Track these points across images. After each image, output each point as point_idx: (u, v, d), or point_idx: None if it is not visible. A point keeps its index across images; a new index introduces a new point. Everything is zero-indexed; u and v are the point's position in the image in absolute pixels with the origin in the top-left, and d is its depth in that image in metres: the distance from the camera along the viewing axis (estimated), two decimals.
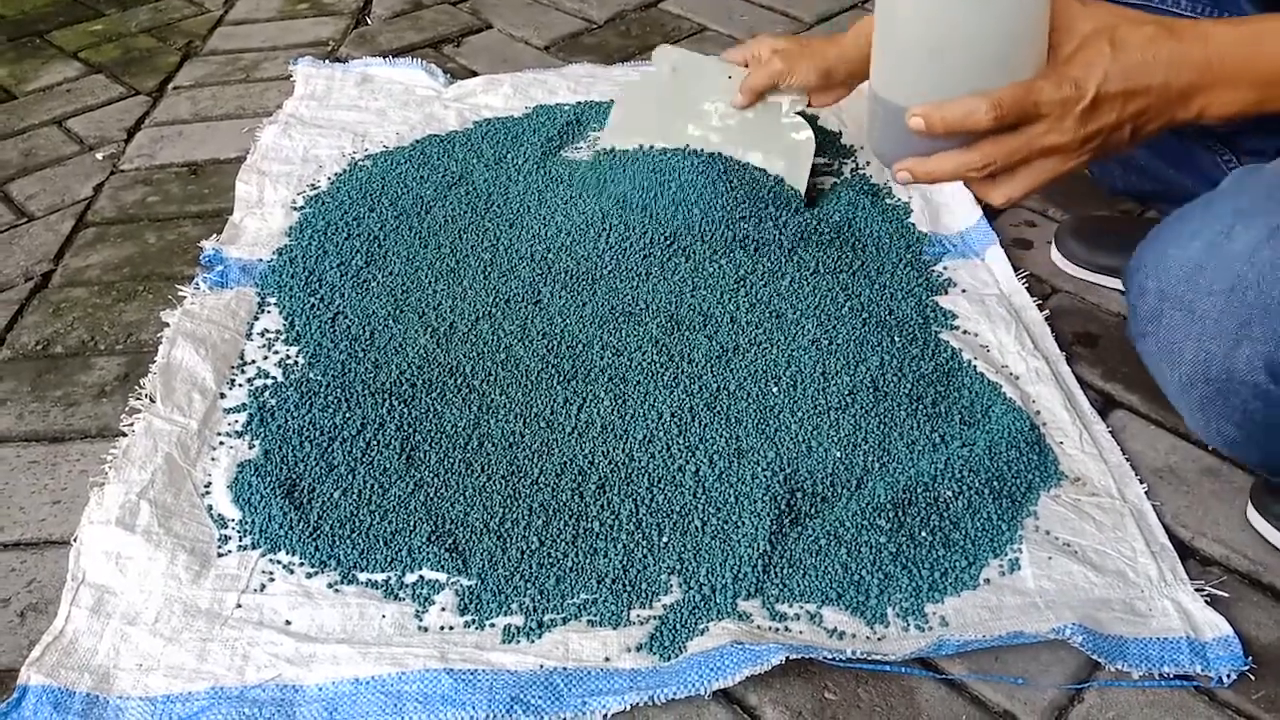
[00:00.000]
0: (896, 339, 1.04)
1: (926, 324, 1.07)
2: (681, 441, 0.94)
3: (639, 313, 1.08)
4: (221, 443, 0.95)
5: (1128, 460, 0.94)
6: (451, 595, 0.82)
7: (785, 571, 0.83)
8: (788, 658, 0.75)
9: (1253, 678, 0.77)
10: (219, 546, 0.86)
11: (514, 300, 1.10)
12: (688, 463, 0.92)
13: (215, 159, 1.41)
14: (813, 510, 0.88)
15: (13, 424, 1.01)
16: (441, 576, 0.83)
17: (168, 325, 1.07)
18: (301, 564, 0.84)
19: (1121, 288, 1.13)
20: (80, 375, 1.06)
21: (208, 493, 0.90)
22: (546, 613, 0.81)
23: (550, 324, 1.07)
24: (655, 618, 0.80)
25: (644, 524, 0.87)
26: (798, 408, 0.97)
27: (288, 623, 0.80)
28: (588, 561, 0.84)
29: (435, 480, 0.91)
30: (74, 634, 0.79)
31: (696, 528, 0.87)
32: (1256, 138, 0.96)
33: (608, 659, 0.77)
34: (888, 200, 1.26)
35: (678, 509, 0.88)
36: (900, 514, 0.87)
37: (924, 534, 0.85)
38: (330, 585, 0.83)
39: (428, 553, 0.84)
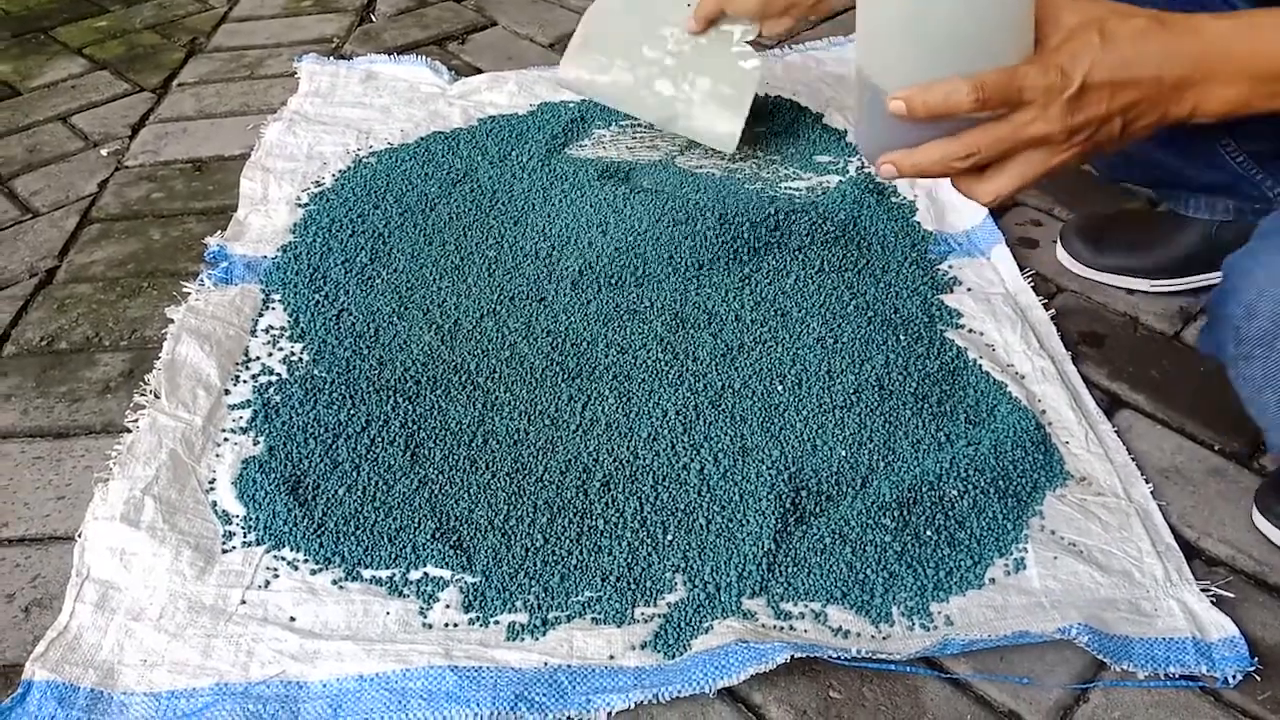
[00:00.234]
0: (902, 338, 1.04)
1: (932, 323, 1.07)
2: (686, 440, 0.94)
3: (644, 310, 1.08)
4: (226, 439, 0.95)
5: (1133, 460, 0.94)
6: (456, 592, 0.82)
7: (790, 570, 0.83)
8: (792, 656, 0.75)
9: (1258, 678, 0.76)
10: (223, 543, 0.86)
11: (519, 298, 1.10)
12: (692, 461, 0.92)
13: (219, 156, 1.41)
14: (818, 509, 0.88)
15: (17, 419, 1.01)
16: (446, 573, 0.83)
17: (172, 321, 1.07)
18: (306, 560, 0.84)
19: (1128, 287, 1.14)
20: (85, 371, 1.06)
21: (212, 489, 0.90)
22: (551, 610, 0.81)
23: (555, 321, 1.07)
24: (660, 616, 0.80)
25: (649, 522, 0.87)
26: (803, 406, 0.97)
27: (292, 619, 0.80)
28: (592, 559, 0.84)
29: (440, 477, 0.91)
30: (78, 629, 0.79)
31: (701, 526, 0.87)
32: (1260, 128, 0.95)
33: (612, 657, 0.77)
34: (893, 199, 1.26)
35: (682, 507, 0.88)
36: (905, 513, 0.86)
37: (929, 533, 0.85)
38: (335, 582, 0.83)
39: (432, 550, 0.84)
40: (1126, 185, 1.21)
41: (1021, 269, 1.15)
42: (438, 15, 1.78)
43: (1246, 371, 0.77)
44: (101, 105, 1.55)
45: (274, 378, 1.01)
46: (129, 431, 0.95)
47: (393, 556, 0.84)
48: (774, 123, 1.41)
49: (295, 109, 1.46)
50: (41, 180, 1.38)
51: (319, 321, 1.07)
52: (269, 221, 1.23)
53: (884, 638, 0.79)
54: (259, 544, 0.86)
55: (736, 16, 1.25)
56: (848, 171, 1.31)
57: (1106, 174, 1.15)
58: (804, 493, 0.89)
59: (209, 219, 1.28)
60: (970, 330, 1.07)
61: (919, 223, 1.22)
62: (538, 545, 0.85)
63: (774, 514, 0.86)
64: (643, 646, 0.78)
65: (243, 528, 0.87)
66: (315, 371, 1.01)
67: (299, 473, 0.91)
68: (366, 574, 0.83)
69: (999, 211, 1.25)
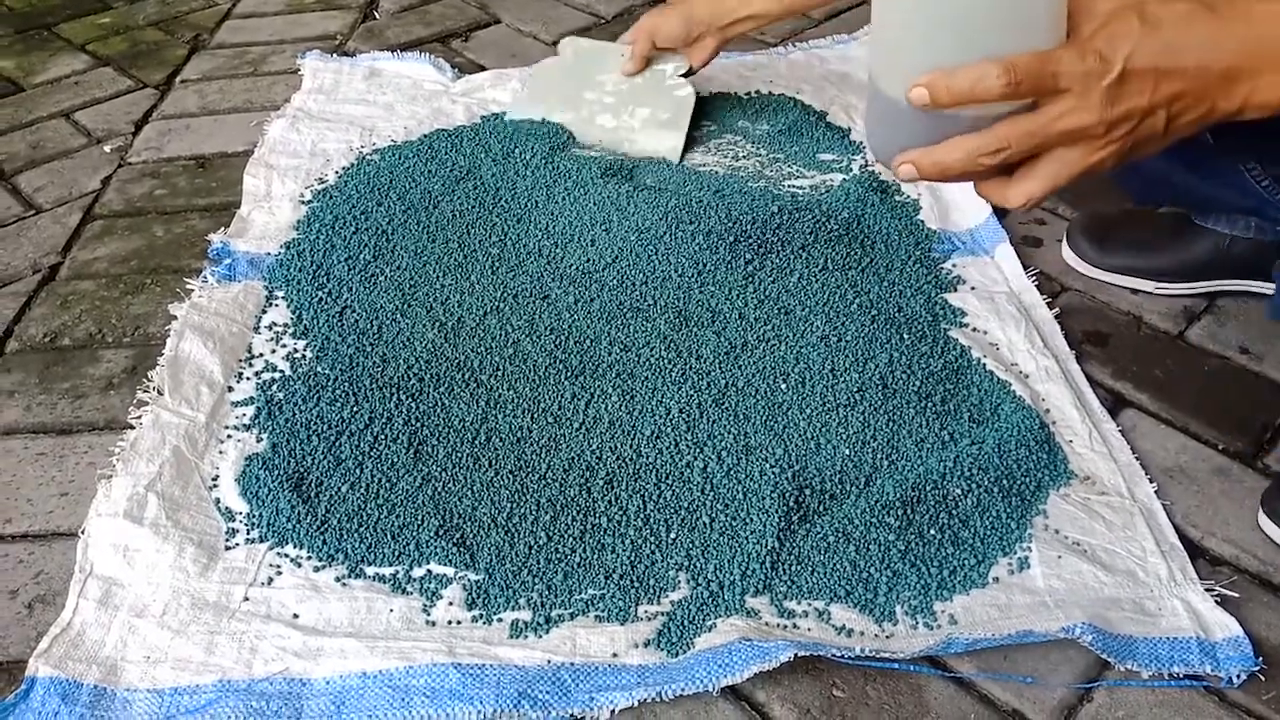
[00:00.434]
0: (905, 336, 1.04)
1: (935, 321, 1.07)
2: (690, 438, 0.94)
3: (647, 308, 1.08)
4: (229, 436, 0.95)
5: (1137, 459, 0.93)
6: (459, 590, 0.82)
7: (793, 568, 0.83)
8: (796, 655, 0.74)
9: (1263, 678, 0.76)
10: (226, 539, 0.86)
11: (522, 295, 1.10)
12: (696, 459, 0.92)
13: (223, 152, 1.41)
14: (821, 507, 0.88)
15: (20, 416, 1.01)
16: (449, 571, 0.83)
17: (175, 318, 1.07)
18: (309, 557, 0.84)
19: (1132, 287, 1.13)
20: (88, 368, 1.06)
21: (215, 486, 0.90)
22: (554, 608, 0.81)
23: (558, 319, 1.07)
24: (663, 614, 0.80)
25: (652, 520, 0.87)
26: (806, 404, 0.97)
27: (295, 616, 0.80)
28: (595, 557, 0.84)
29: (443, 475, 0.91)
30: (82, 626, 0.79)
31: (704, 524, 0.87)
32: None
33: (615, 655, 0.77)
34: (897, 197, 1.26)
35: (686, 505, 0.88)
36: (909, 512, 0.86)
37: (933, 532, 0.85)
38: (338, 579, 0.83)
39: (435, 547, 0.84)
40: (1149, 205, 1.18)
41: (1025, 268, 1.15)
42: (441, 12, 1.78)
43: None
44: (105, 102, 1.55)
45: (277, 374, 1.01)
46: (132, 428, 0.95)
47: (396, 554, 0.84)
48: (777, 121, 1.41)
49: (299, 106, 1.46)
50: (45, 176, 1.38)
51: (322, 318, 1.07)
52: (272, 218, 1.23)
53: (888, 636, 0.79)
54: (262, 541, 0.85)
55: (665, 54, 1.37)
56: (851, 170, 1.31)
57: (1139, 196, 1.13)
58: (807, 491, 0.88)
59: (212, 215, 1.28)
60: (974, 329, 1.07)
61: (923, 221, 1.22)
62: (541, 543, 0.85)
63: (777, 512, 0.86)
64: (646, 644, 0.78)
65: (246, 525, 0.87)
66: (318, 368, 1.01)
67: (302, 470, 0.91)
68: (370, 571, 0.83)
69: (1003, 211, 1.25)
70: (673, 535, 0.86)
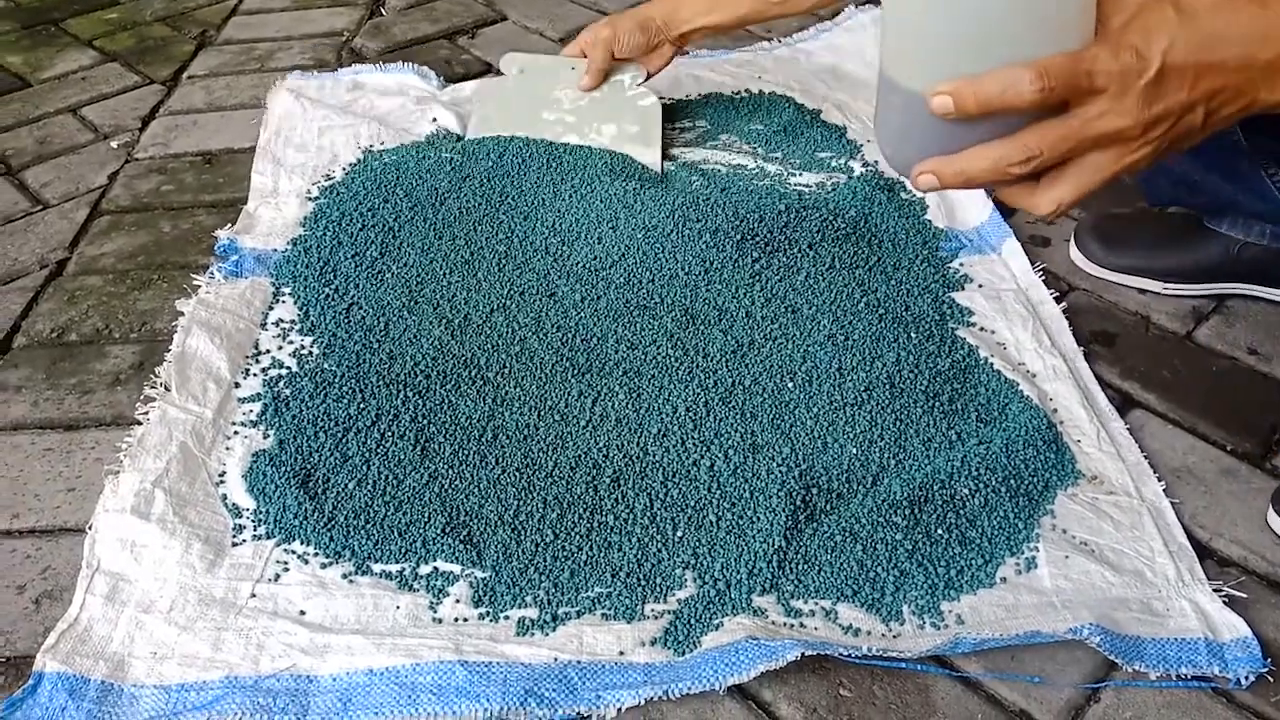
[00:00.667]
0: (913, 335, 1.03)
1: (943, 320, 1.07)
2: (696, 436, 0.94)
3: (654, 306, 1.08)
4: (236, 432, 0.95)
5: (1145, 459, 0.93)
6: (466, 587, 0.82)
7: (800, 567, 0.83)
8: (803, 654, 0.74)
9: (1271, 680, 0.76)
10: (233, 536, 0.86)
11: (529, 293, 1.10)
12: (702, 457, 0.92)
13: (229, 148, 1.41)
14: (828, 506, 0.87)
15: (28, 411, 1.01)
16: (456, 568, 0.83)
17: (182, 314, 1.07)
18: (316, 554, 0.84)
19: (1140, 287, 1.13)
20: (95, 363, 1.06)
21: (222, 482, 0.90)
22: (561, 606, 0.81)
23: (565, 317, 1.07)
24: (670, 612, 0.80)
25: (658, 518, 0.87)
26: (813, 403, 0.97)
27: (302, 613, 0.80)
28: (602, 555, 0.84)
29: (450, 472, 0.91)
30: (89, 621, 0.79)
31: (711, 522, 0.87)
32: None
33: (622, 653, 0.77)
34: (903, 195, 1.26)
35: (692, 504, 0.88)
36: (916, 511, 0.86)
37: (940, 531, 0.85)
38: (345, 576, 0.83)
39: (442, 544, 0.84)
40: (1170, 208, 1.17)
41: (1032, 263, 1.15)
42: (448, 9, 1.78)
43: None
44: (112, 97, 1.55)
45: (284, 371, 1.01)
46: (139, 424, 0.95)
47: (403, 551, 0.84)
48: (771, 120, 1.41)
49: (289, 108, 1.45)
50: (52, 172, 1.38)
51: (329, 315, 1.07)
52: (279, 214, 1.23)
53: (894, 636, 0.79)
54: (269, 537, 0.86)
55: (618, 64, 1.33)
56: (851, 169, 1.31)
57: (1153, 194, 1.12)
58: (814, 490, 0.88)
59: (219, 212, 1.28)
60: (981, 328, 1.07)
61: (930, 220, 1.22)
62: (548, 540, 0.85)
63: (784, 511, 0.86)
64: (653, 643, 0.78)
65: (253, 521, 0.87)
66: (325, 365, 1.01)
67: (309, 466, 0.91)
68: (377, 568, 0.83)
69: (1008, 210, 1.24)
70: (679, 534, 0.86)
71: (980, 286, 1.13)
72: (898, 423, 0.94)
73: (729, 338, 1.04)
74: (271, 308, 1.09)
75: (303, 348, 1.04)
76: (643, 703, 0.74)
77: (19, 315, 1.13)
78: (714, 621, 0.79)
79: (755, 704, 0.76)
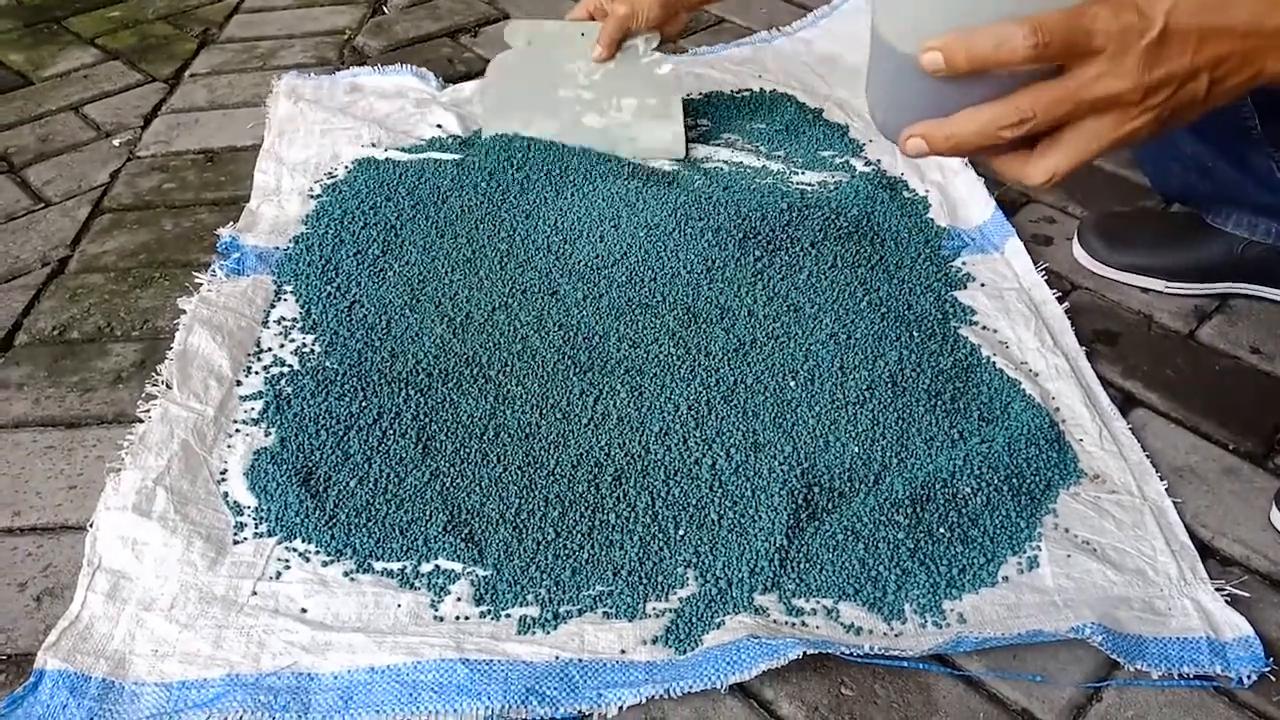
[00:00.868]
0: (915, 334, 1.03)
1: (945, 319, 1.07)
2: (698, 435, 0.94)
3: (656, 305, 1.08)
4: (238, 430, 0.95)
5: (1148, 458, 0.93)
6: (467, 585, 0.82)
7: (802, 566, 0.83)
8: (805, 652, 0.74)
9: (1273, 679, 0.76)
10: (235, 534, 0.86)
11: (531, 291, 1.10)
12: (704, 456, 0.92)
13: (231, 146, 1.41)
14: (830, 505, 0.87)
15: (29, 409, 1.01)
16: (457, 566, 0.83)
17: (184, 312, 1.07)
18: (317, 552, 0.84)
19: (1143, 285, 1.13)
20: (97, 361, 1.06)
21: (224, 480, 0.90)
22: (562, 604, 0.81)
23: (567, 315, 1.07)
24: (671, 611, 0.80)
25: (660, 517, 0.87)
26: (815, 402, 0.97)
27: (303, 611, 0.80)
28: (604, 553, 0.84)
29: (451, 470, 0.91)
30: (90, 619, 0.79)
31: (713, 521, 0.86)
32: None
33: (623, 651, 0.77)
34: (906, 194, 1.26)
35: (694, 502, 0.88)
36: (918, 510, 0.86)
37: (942, 530, 0.85)
38: (346, 574, 0.83)
39: (444, 542, 0.84)
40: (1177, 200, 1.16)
41: (1035, 263, 1.14)
42: (450, 7, 1.78)
43: None
44: (114, 95, 1.55)
45: (286, 369, 1.01)
46: (141, 422, 0.95)
47: (404, 549, 0.84)
48: (774, 119, 1.41)
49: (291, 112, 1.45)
50: (53, 170, 1.38)
51: (331, 313, 1.07)
52: (281, 212, 1.23)
53: (896, 635, 0.78)
54: (270, 535, 0.85)
55: (638, 32, 1.27)
56: (854, 168, 1.31)
57: (1162, 183, 1.11)
58: (816, 489, 0.88)
59: (221, 210, 1.28)
60: (984, 327, 1.07)
61: (932, 219, 1.22)
62: (549, 539, 0.85)
63: (786, 510, 0.85)
64: (654, 641, 0.78)
65: (254, 519, 0.87)
66: (327, 363, 1.01)
67: (310, 464, 0.91)
68: (378, 566, 0.83)
69: (1011, 208, 1.24)
70: (681, 532, 0.86)
71: (983, 285, 1.13)
72: (900, 421, 0.94)
73: (731, 336, 1.04)
74: (273, 305, 1.09)
75: (304, 346, 1.04)
76: (644, 701, 0.74)
77: (21, 313, 1.13)
78: (715, 620, 0.79)
79: (757, 702, 0.76)
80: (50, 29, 1.76)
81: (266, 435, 0.94)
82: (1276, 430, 0.97)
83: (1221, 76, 0.56)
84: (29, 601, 0.83)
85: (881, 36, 0.59)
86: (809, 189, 1.26)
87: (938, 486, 0.88)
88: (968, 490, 0.88)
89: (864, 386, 0.97)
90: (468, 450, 0.92)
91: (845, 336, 1.03)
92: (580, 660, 0.76)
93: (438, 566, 0.83)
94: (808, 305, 1.07)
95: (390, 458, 0.91)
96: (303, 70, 1.55)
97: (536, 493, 0.89)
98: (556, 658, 0.76)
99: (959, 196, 1.26)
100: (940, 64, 0.54)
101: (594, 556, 0.84)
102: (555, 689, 0.74)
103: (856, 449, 0.92)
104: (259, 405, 0.97)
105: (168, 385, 0.98)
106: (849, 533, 0.84)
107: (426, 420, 0.95)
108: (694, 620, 0.79)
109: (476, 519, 0.87)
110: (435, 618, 0.80)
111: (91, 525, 0.86)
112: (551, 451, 0.92)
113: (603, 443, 0.93)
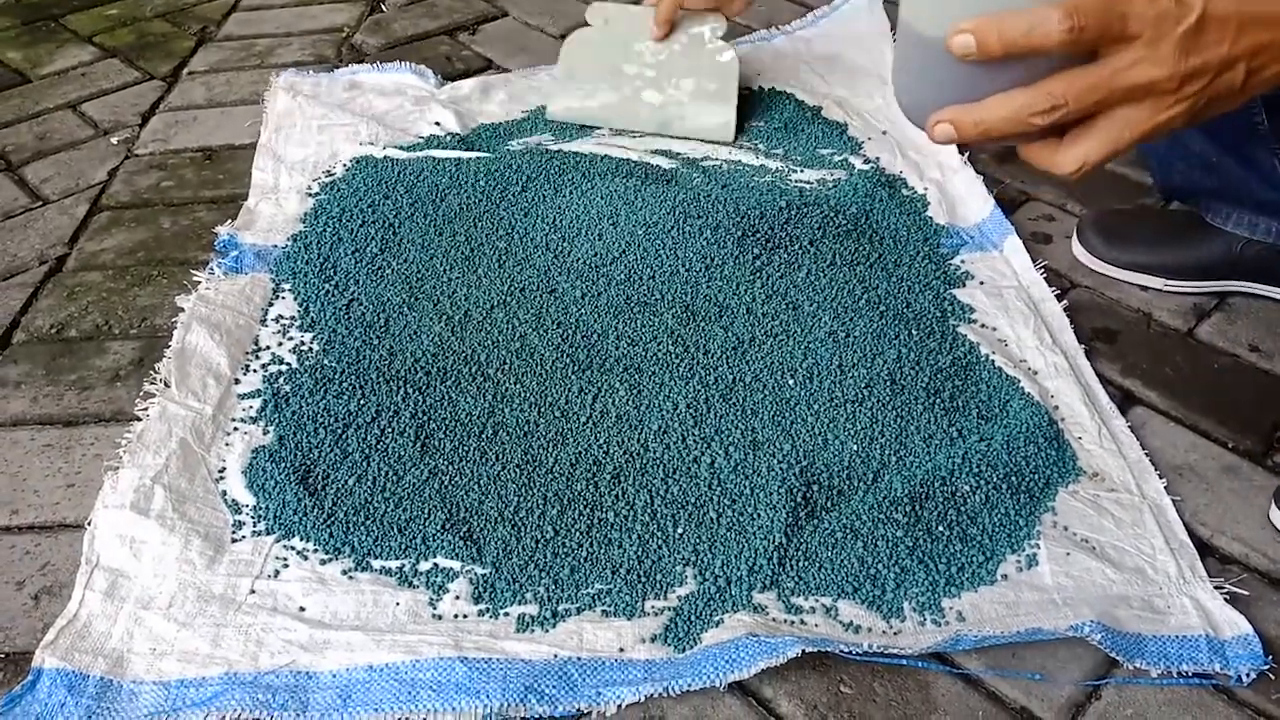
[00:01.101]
0: (914, 332, 1.03)
1: (944, 317, 1.06)
2: (697, 433, 0.94)
3: (654, 303, 1.08)
4: (236, 428, 0.95)
5: (1147, 456, 0.93)
6: (466, 584, 0.82)
7: (801, 564, 0.83)
8: (803, 651, 0.74)
9: (1272, 677, 0.76)
10: (233, 532, 0.86)
11: (529, 289, 1.10)
12: (703, 454, 0.92)
13: (229, 144, 1.41)
14: (829, 503, 0.87)
15: (27, 407, 1.01)
16: (456, 565, 0.83)
17: (182, 310, 1.07)
18: (316, 550, 0.84)
19: (1141, 283, 1.13)
20: (94, 359, 1.06)
21: (222, 478, 0.90)
22: (561, 602, 0.80)
23: (565, 313, 1.07)
24: (670, 609, 0.80)
25: (659, 515, 0.87)
26: (814, 400, 0.96)
27: (302, 609, 0.80)
28: (602, 551, 0.84)
29: (450, 468, 0.90)
30: (88, 617, 0.79)
31: (712, 519, 0.86)
32: None
33: (622, 649, 0.77)
34: (904, 192, 1.26)
35: (693, 500, 0.88)
36: (917, 508, 0.86)
37: (941, 529, 0.85)
38: (344, 572, 0.83)
39: (442, 541, 0.84)
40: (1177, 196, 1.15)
41: (1034, 260, 1.14)
42: (448, 5, 1.78)
43: None
44: (112, 93, 1.55)
45: (284, 367, 1.01)
46: (139, 420, 0.95)
47: (403, 547, 0.84)
48: (772, 117, 1.41)
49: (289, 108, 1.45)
50: (51, 168, 1.38)
51: (329, 311, 1.07)
52: (279, 210, 1.23)
53: (895, 633, 0.78)
54: (269, 533, 0.85)
55: (694, 13, 1.32)
56: (852, 165, 1.30)
57: (1165, 178, 1.11)
58: (815, 487, 0.88)
59: (219, 207, 1.28)
60: (983, 325, 1.07)
61: (931, 217, 1.22)
62: (548, 537, 0.85)
63: (785, 508, 0.85)
64: (653, 639, 0.78)
65: (252, 517, 0.87)
66: (325, 361, 1.01)
67: (309, 463, 0.91)
68: (376, 564, 0.83)
69: (1010, 206, 1.24)
70: (680, 530, 0.86)
71: (981, 283, 1.12)
72: (899, 419, 0.94)
73: (730, 334, 1.04)
74: (271, 304, 1.09)
75: (303, 344, 1.04)
76: (643, 699, 0.74)
77: (18, 311, 1.13)
78: (714, 618, 0.79)
79: (755, 700, 0.76)
80: (48, 27, 1.75)
81: (265, 433, 0.94)
82: (1275, 428, 0.97)
83: (1259, 67, 0.54)
84: (27, 600, 0.83)
85: (909, 21, 0.58)
86: (807, 187, 1.26)
87: (937, 484, 0.88)
88: (967, 488, 0.88)
89: (863, 384, 0.97)
90: (466, 448, 0.92)
91: (844, 334, 1.03)
92: (579, 658, 0.76)
93: (436, 565, 0.83)
94: (806, 303, 1.07)
95: (389, 456, 0.91)
96: (301, 68, 1.55)
97: (535, 491, 0.89)
98: (555, 656, 0.76)
99: (958, 194, 1.26)
100: (971, 47, 0.53)
101: (593, 555, 0.84)
102: (554, 687, 0.74)
103: (855, 447, 0.92)
104: (257, 403, 0.97)
105: (166, 383, 0.98)
106: (848, 531, 0.84)
107: (425, 418, 0.95)
108: (693, 618, 0.79)
109: (475, 517, 0.87)
110: (434, 616, 0.80)
111: (89, 523, 0.86)
112: (550, 449, 0.92)
113: (601, 441, 0.93)
